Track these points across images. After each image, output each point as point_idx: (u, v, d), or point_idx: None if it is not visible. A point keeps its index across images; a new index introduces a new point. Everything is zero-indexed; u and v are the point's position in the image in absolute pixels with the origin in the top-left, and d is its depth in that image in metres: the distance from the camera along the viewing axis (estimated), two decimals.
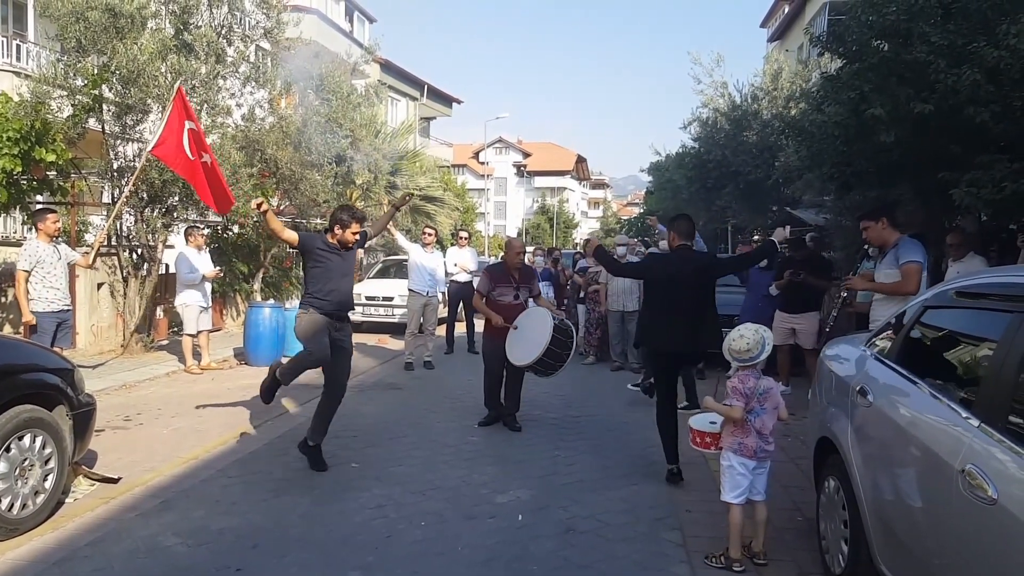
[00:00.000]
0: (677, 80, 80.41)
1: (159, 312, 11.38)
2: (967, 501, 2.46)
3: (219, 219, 12.72)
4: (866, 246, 6.75)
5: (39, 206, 8.78)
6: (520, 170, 79.67)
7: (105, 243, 9.30)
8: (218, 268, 10.00)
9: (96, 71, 9.26)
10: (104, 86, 9.46)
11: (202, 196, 8.36)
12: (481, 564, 4.04)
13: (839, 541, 3.68)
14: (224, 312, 13.78)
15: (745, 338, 4.09)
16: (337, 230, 5.64)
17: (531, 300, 7.19)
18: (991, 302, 2.92)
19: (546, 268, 12.21)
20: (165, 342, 11.41)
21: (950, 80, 6.32)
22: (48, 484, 4.42)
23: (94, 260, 7.89)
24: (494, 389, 7.16)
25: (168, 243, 10.99)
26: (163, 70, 9.30)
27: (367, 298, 14.19)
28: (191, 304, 9.29)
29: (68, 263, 7.40)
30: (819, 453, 4.14)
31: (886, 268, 5.57)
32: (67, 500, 4.78)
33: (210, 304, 9.63)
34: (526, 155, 79.78)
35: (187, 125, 7.86)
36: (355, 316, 12.75)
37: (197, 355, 9.70)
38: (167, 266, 11.72)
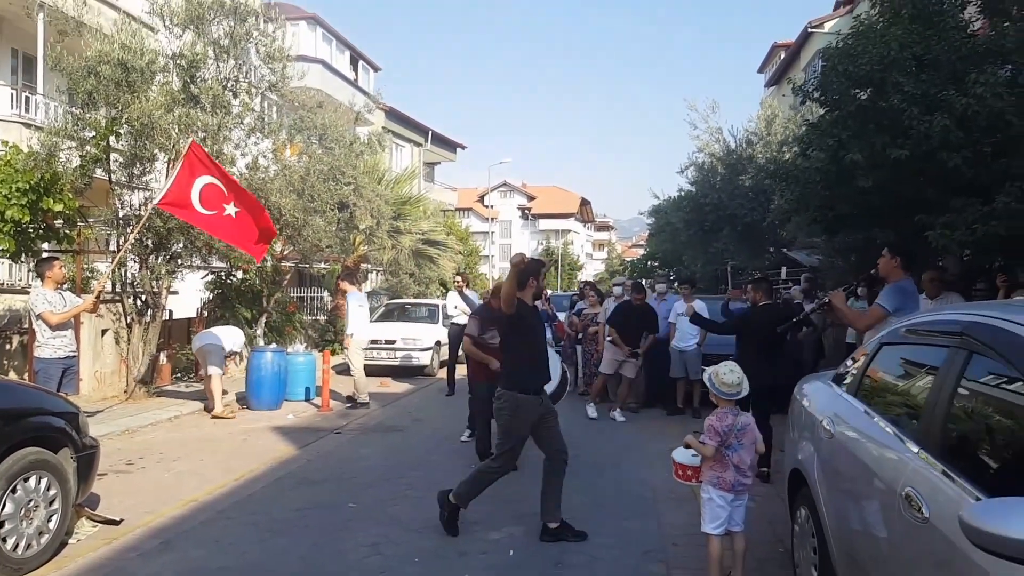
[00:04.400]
0: (679, 123, 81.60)
1: (163, 358, 11.59)
2: (907, 522, 2.63)
3: (222, 264, 13.01)
4: (855, 283, 6.93)
5: (45, 254, 9.05)
6: (524, 213, 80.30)
7: (109, 289, 9.57)
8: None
9: (106, 123, 9.61)
10: (112, 138, 9.79)
11: (229, 240, 8.67)
12: None
13: (810, 568, 3.82)
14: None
15: (735, 372, 4.28)
16: (532, 282, 5.26)
17: None
18: (932, 338, 3.12)
19: (543, 311, 12.26)
20: (168, 387, 11.61)
21: (923, 127, 6.63)
22: (52, 525, 4.59)
23: (97, 306, 8.10)
24: (486, 436, 7.10)
25: (172, 289, 11.25)
26: (171, 122, 9.63)
27: (370, 341, 14.36)
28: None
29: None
30: (792, 485, 4.30)
31: (877, 300, 5.73)
32: (70, 541, 4.93)
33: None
34: (530, 198, 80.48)
35: (202, 181, 8.09)
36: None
37: (204, 398, 9.93)
38: (171, 312, 12.00)
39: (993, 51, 6.82)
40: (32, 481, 4.44)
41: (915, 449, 2.76)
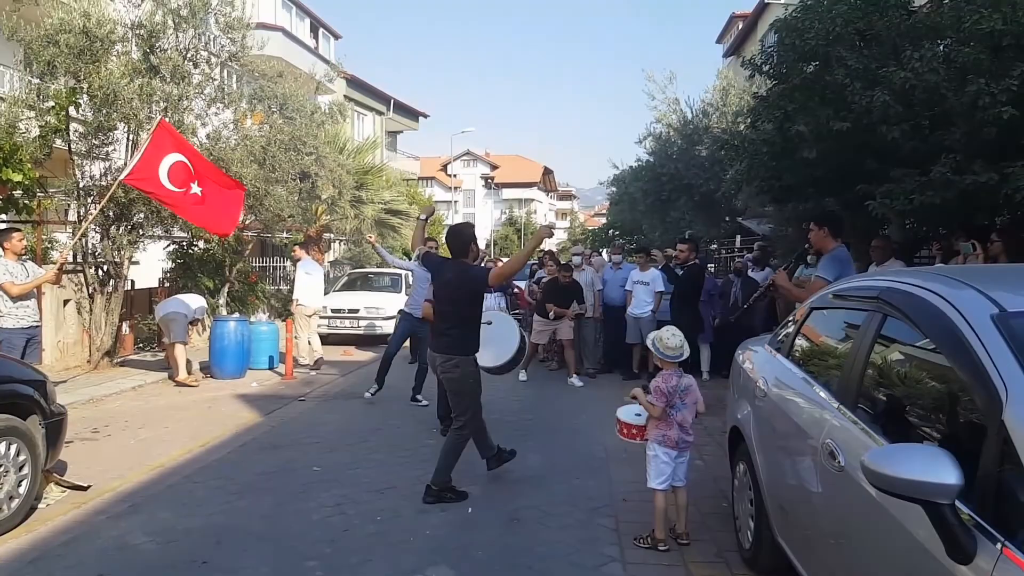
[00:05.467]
0: (638, 93, 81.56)
1: (125, 328, 11.59)
2: (826, 471, 2.90)
3: (184, 234, 12.97)
4: (806, 250, 7.20)
5: (3, 225, 8.99)
6: (488, 182, 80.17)
7: (71, 260, 9.55)
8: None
9: (66, 93, 9.51)
10: (72, 107, 9.70)
11: (193, 221, 8.72)
12: (430, 551, 4.41)
13: (747, 519, 4.13)
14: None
15: (677, 336, 4.54)
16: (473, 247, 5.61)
17: None
18: (855, 302, 3.38)
19: None
20: (132, 357, 11.63)
21: (864, 101, 6.89)
22: (22, 489, 4.72)
23: (59, 277, 8.12)
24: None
25: (134, 260, 11.23)
26: (133, 92, 9.57)
27: (333, 311, 14.50)
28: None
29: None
30: (732, 441, 4.59)
31: (815, 273, 5.98)
32: (40, 505, 5.06)
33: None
34: (494, 167, 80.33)
35: (171, 158, 8.12)
36: (322, 329, 13.18)
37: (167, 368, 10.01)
38: (133, 283, 11.97)
39: (930, 28, 7.08)
40: (2, 447, 4.56)
41: (835, 405, 3.03)
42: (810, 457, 3.14)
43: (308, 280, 11.52)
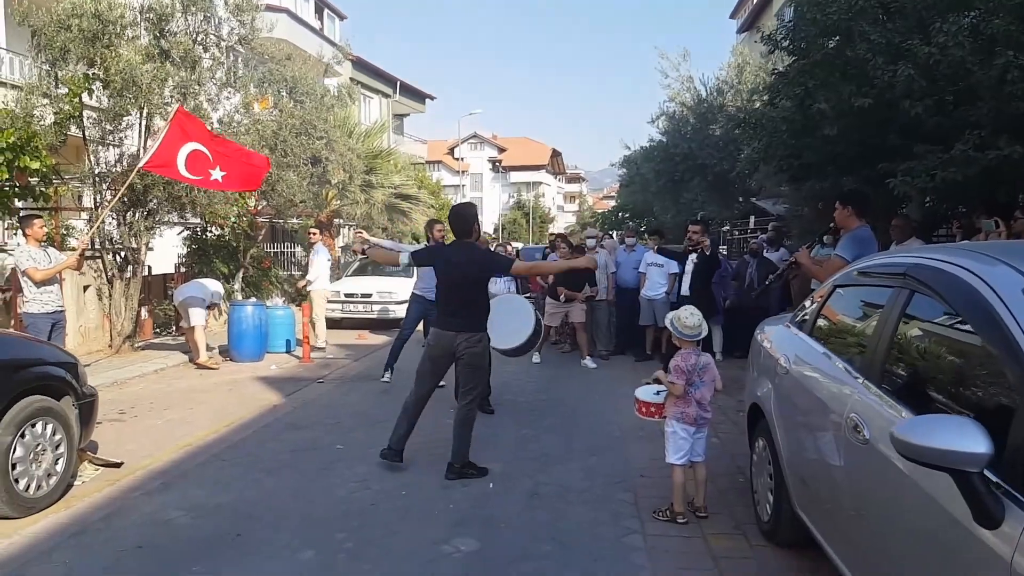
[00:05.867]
0: (648, 72, 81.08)
1: (144, 313, 11.73)
2: (850, 444, 2.97)
3: (198, 220, 13.07)
4: (824, 232, 7.19)
5: (21, 212, 9.11)
6: (495, 165, 79.95)
7: (90, 246, 9.66)
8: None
9: (80, 79, 9.58)
10: (85, 94, 9.77)
11: (218, 189, 9.12)
12: (455, 524, 4.52)
13: (767, 493, 4.21)
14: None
15: (695, 316, 4.62)
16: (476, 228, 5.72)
17: None
18: (880, 279, 3.44)
19: None
20: (153, 341, 11.79)
21: (887, 76, 6.82)
22: (59, 467, 4.85)
23: (80, 263, 8.24)
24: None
25: (150, 246, 11.34)
26: (150, 77, 9.63)
27: (346, 295, 14.62)
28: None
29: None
30: (752, 418, 4.67)
31: (835, 252, 5.99)
32: (75, 483, 5.20)
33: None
34: (501, 150, 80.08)
35: (188, 147, 8.19)
36: (335, 313, 13.31)
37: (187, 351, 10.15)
38: (149, 268, 12.09)
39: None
40: (39, 427, 4.69)
41: (860, 380, 3.10)
42: (833, 431, 3.21)
43: (326, 265, 11.84)
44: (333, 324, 12.35)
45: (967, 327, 2.59)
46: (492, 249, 11.88)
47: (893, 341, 3.03)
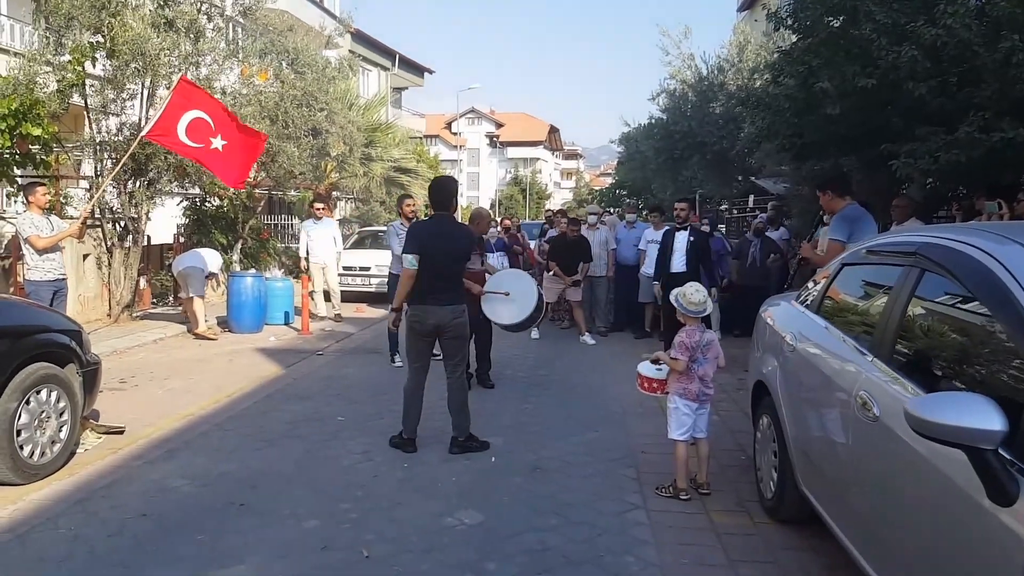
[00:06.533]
0: (648, 50, 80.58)
1: (142, 282, 11.70)
2: (859, 421, 2.99)
3: (197, 191, 13.01)
4: (821, 213, 7.22)
5: (24, 180, 9.05)
6: (493, 141, 79.66)
7: (90, 215, 9.61)
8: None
9: (85, 47, 9.49)
10: (88, 62, 9.68)
11: (213, 171, 8.91)
12: (457, 496, 4.55)
13: (771, 470, 4.24)
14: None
15: (700, 292, 4.62)
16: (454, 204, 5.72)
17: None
18: (890, 258, 3.44)
19: (499, 238, 12.06)
20: (152, 311, 11.77)
21: (891, 56, 6.81)
22: (63, 434, 4.85)
23: (83, 231, 8.20)
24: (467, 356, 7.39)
25: (149, 216, 11.29)
26: (157, 47, 9.55)
27: (344, 268, 14.55)
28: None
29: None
30: (756, 395, 4.69)
31: (828, 236, 6.03)
32: (79, 451, 5.21)
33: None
34: (499, 125, 79.75)
35: (190, 115, 8.13)
36: (315, 287, 13.28)
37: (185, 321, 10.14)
38: (149, 238, 12.04)
39: None
40: (43, 394, 4.68)
41: (869, 358, 3.11)
42: (841, 409, 3.23)
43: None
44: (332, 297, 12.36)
45: (979, 306, 2.60)
46: (497, 228, 11.93)
47: (904, 319, 3.03)
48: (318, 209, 12.24)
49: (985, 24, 6.46)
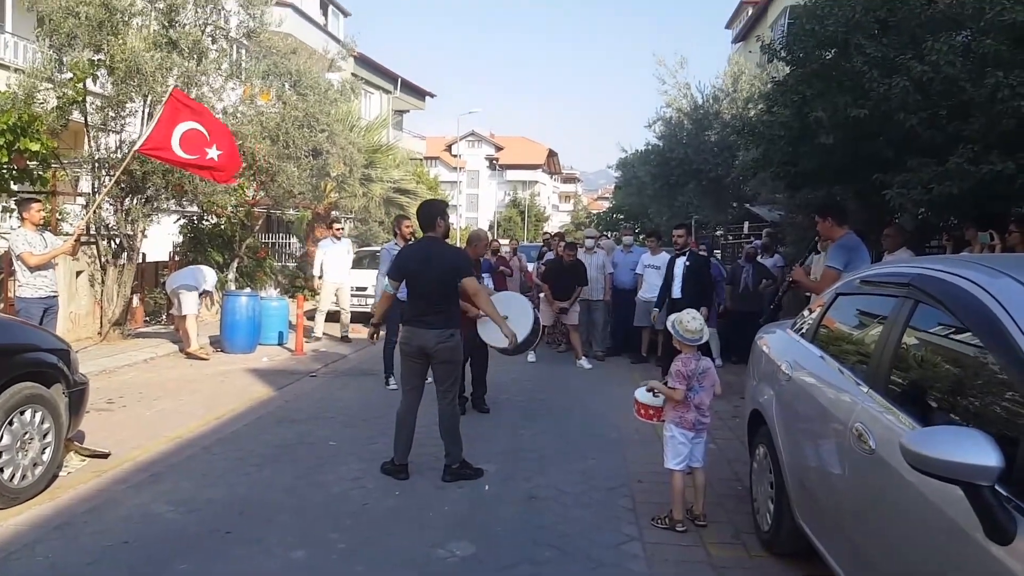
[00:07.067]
0: (646, 77, 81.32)
1: (135, 300, 11.64)
2: (854, 453, 2.94)
3: (196, 209, 12.99)
4: (816, 240, 7.22)
5: (19, 196, 9.02)
6: (492, 163, 79.90)
7: (85, 232, 9.58)
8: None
9: (85, 65, 9.52)
10: (89, 80, 9.71)
11: (208, 177, 9.10)
12: (450, 527, 4.46)
13: (767, 501, 4.17)
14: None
15: (697, 320, 4.57)
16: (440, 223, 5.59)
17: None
18: (884, 289, 3.41)
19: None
20: (144, 329, 11.69)
21: (882, 88, 6.86)
22: (46, 457, 4.77)
23: (76, 249, 8.16)
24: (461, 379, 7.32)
25: (145, 233, 11.26)
26: (155, 67, 9.59)
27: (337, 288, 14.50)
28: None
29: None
30: (752, 424, 4.63)
31: (824, 263, 6.02)
32: (62, 473, 5.11)
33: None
34: (498, 148, 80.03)
35: (183, 126, 8.14)
36: (322, 306, 13.26)
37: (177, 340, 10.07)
38: (143, 256, 12.00)
39: (951, 18, 7.04)
40: (27, 414, 4.61)
41: (865, 389, 3.06)
42: (837, 440, 3.17)
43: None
44: (327, 317, 12.32)
45: (973, 338, 2.57)
46: (500, 253, 11.92)
47: (898, 351, 2.99)
48: (338, 230, 12.62)
49: (972, 60, 6.53)
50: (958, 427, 2.36)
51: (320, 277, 12.03)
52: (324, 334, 12.14)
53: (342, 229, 12.48)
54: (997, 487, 1.98)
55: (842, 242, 5.49)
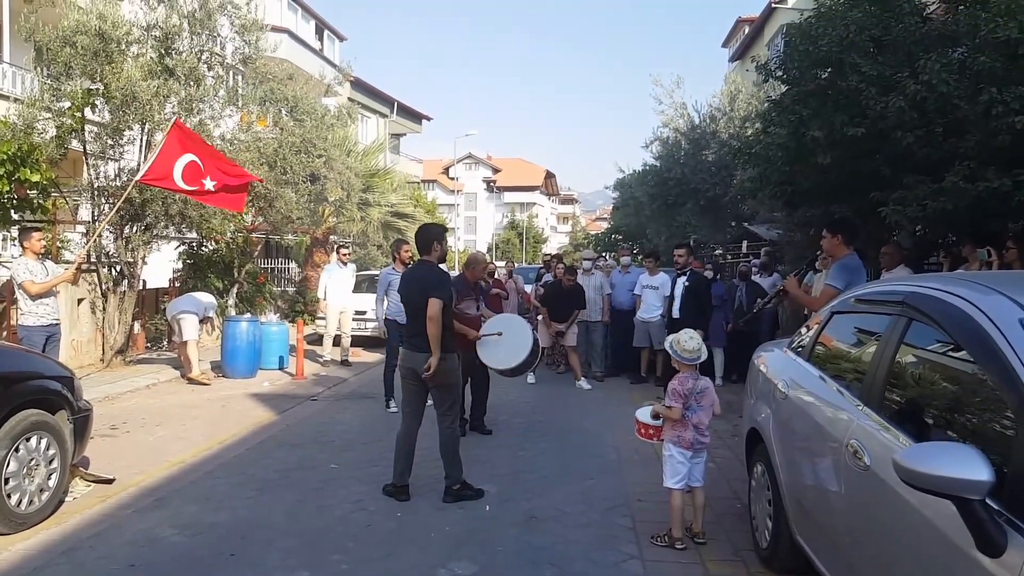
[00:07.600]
0: (643, 97, 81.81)
1: (136, 327, 11.68)
2: (850, 470, 2.98)
3: (195, 236, 13.07)
4: (818, 254, 7.24)
5: (20, 225, 9.10)
6: (490, 185, 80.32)
7: (86, 260, 9.65)
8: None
9: (82, 94, 9.64)
10: (87, 109, 9.82)
11: (208, 202, 9.31)
12: (451, 547, 4.49)
13: (765, 519, 4.20)
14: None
15: (695, 339, 4.62)
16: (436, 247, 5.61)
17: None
18: (878, 307, 3.47)
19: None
20: (146, 355, 11.73)
21: (879, 107, 6.95)
22: (52, 482, 4.81)
23: (77, 277, 8.22)
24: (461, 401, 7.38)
25: (146, 260, 11.33)
26: (152, 94, 9.71)
27: (341, 312, 14.54)
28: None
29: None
30: (750, 442, 4.67)
31: (825, 281, 6.05)
32: (67, 499, 5.15)
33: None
34: (496, 171, 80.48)
35: (185, 159, 8.26)
36: (330, 330, 13.32)
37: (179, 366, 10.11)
38: (144, 282, 12.06)
39: (946, 36, 7.15)
40: (33, 441, 4.65)
41: (860, 406, 3.11)
42: (833, 457, 3.22)
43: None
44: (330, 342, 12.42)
45: (966, 355, 2.62)
46: (496, 276, 11.92)
47: (893, 368, 3.05)
48: (345, 254, 12.90)
49: (966, 78, 6.62)
50: (949, 442, 2.41)
51: (324, 299, 12.25)
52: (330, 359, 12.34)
53: (349, 254, 12.59)
54: (988, 501, 2.03)
55: (845, 262, 5.46)
